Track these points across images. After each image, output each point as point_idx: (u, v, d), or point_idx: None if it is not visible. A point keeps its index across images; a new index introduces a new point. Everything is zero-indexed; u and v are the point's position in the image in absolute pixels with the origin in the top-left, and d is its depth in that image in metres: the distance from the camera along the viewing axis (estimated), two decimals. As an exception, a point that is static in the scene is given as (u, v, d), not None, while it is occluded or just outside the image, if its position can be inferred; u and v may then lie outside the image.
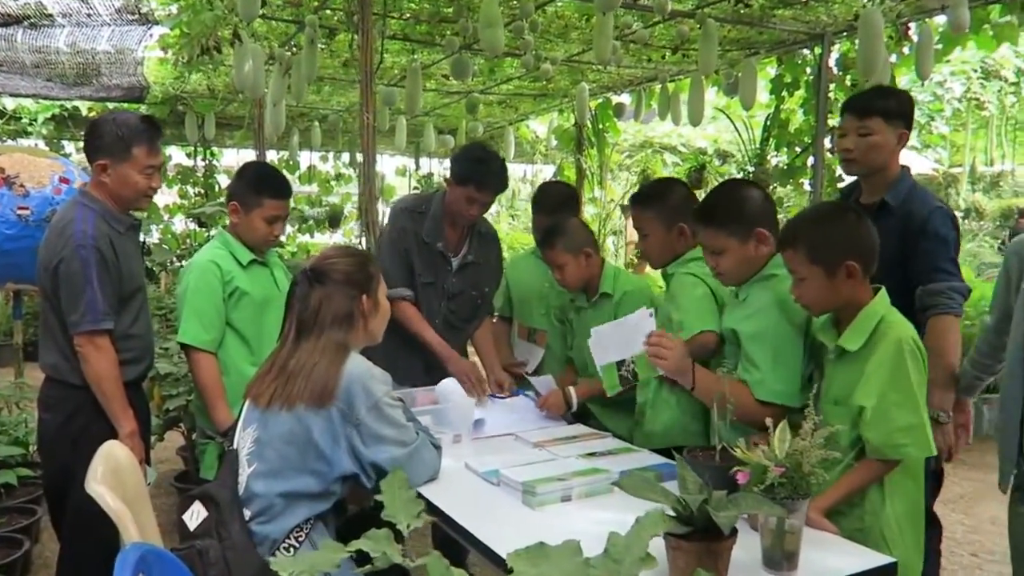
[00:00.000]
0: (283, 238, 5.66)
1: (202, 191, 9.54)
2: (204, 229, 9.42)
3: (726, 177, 7.62)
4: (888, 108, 2.49)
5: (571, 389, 2.71)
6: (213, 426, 2.54)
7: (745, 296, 2.17)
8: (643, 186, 2.79)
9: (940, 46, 4.98)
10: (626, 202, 8.41)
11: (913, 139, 11.01)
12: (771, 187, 5.79)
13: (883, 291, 1.90)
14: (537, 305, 3.19)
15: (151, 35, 5.05)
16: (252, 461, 1.83)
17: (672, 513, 1.37)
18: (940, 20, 4.99)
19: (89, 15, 4.45)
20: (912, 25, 4.91)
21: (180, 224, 9.86)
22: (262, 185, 2.69)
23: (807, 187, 5.40)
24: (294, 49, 5.26)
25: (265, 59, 4.86)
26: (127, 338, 2.49)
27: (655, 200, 2.50)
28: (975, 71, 10.02)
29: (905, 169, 2.57)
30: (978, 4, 4.42)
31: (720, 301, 2.34)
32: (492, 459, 2.13)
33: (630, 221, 8.60)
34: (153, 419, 3.37)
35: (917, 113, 10.36)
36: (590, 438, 2.43)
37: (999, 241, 10.59)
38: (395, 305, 2.53)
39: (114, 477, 1.82)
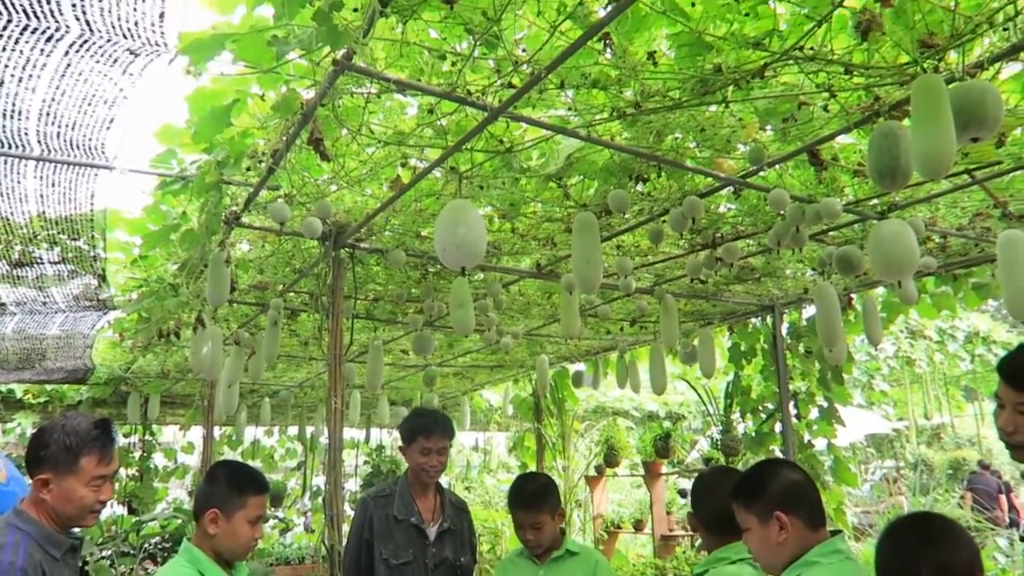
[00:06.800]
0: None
1: (137, 473, 8.92)
2: (134, 515, 8.70)
3: (694, 443, 7.54)
4: None
5: None
6: None
7: None
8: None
9: (884, 314, 5.24)
10: (590, 472, 8.18)
11: (858, 398, 11.38)
12: (742, 455, 5.70)
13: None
14: None
15: (106, 321, 4.93)
16: None
17: None
18: (879, 291, 5.32)
19: (44, 303, 4.33)
20: (854, 295, 5.19)
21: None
22: (244, 483, 2.42)
23: (778, 454, 5.31)
24: (253, 329, 5.20)
25: (223, 340, 4.77)
26: None
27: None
28: (902, 331, 10.63)
29: None
30: (915, 276, 4.71)
31: None
32: None
33: (594, 492, 8.29)
34: None
35: (856, 372, 10.93)
36: None
37: (959, 496, 10.56)
38: None
39: None
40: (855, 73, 2.28)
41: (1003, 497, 10.74)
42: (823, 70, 2.28)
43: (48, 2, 1.88)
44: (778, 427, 5.34)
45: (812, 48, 2.16)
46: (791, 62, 2.23)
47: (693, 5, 2.14)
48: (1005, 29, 2.04)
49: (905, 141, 2.17)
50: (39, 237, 3.55)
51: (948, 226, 3.78)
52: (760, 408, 5.59)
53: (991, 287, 4.76)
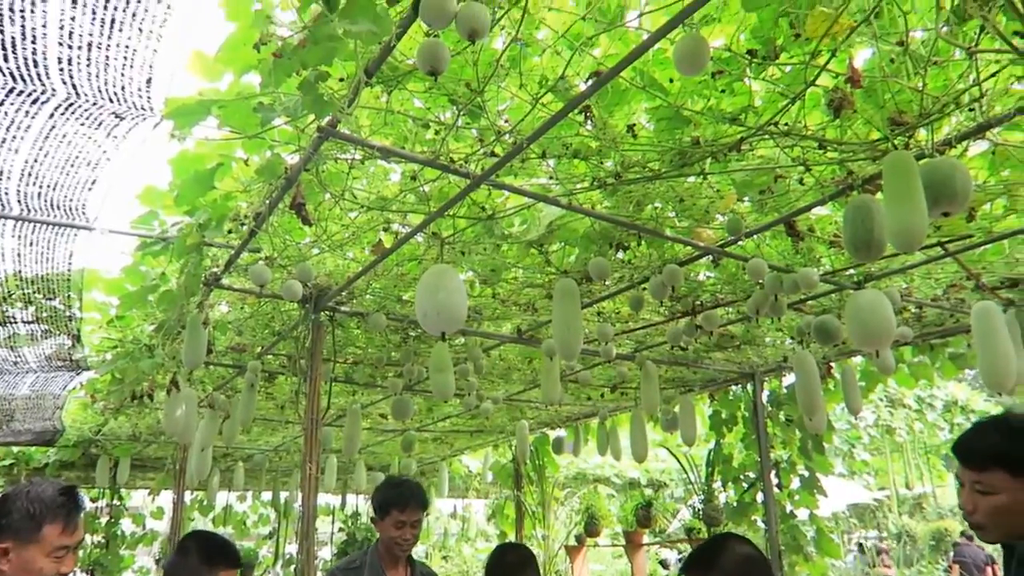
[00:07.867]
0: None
1: (103, 539, 8.60)
2: (97, 585, 8.37)
3: (676, 512, 7.42)
4: (1011, 456, 1.80)
5: None
6: None
7: None
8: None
9: (863, 383, 5.26)
10: (571, 542, 8.00)
11: (840, 467, 11.31)
12: (724, 524, 5.62)
13: None
14: None
15: (79, 381, 4.83)
16: None
17: None
18: (857, 360, 5.35)
19: (16, 363, 4.25)
20: (832, 364, 5.21)
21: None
22: (215, 557, 2.34)
23: (760, 524, 5.24)
24: (230, 392, 5.12)
25: (198, 402, 4.68)
26: None
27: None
28: (881, 399, 10.67)
29: None
30: (893, 346, 4.74)
31: None
32: None
33: (575, 563, 8.09)
34: None
35: (837, 441, 10.89)
36: None
37: (944, 568, 10.43)
38: None
39: None
40: (829, 148, 2.34)
41: (989, 569, 10.62)
42: (798, 144, 2.34)
43: (36, 65, 1.90)
44: (760, 496, 5.28)
45: (787, 124, 2.22)
46: (767, 137, 2.29)
47: (671, 81, 2.20)
48: (971, 109, 2.11)
49: (879, 215, 2.21)
50: (13, 296, 3.50)
51: (923, 297, 3.83)
52: (742, 477, 5.54)
53: (967, 357, 4.81)
